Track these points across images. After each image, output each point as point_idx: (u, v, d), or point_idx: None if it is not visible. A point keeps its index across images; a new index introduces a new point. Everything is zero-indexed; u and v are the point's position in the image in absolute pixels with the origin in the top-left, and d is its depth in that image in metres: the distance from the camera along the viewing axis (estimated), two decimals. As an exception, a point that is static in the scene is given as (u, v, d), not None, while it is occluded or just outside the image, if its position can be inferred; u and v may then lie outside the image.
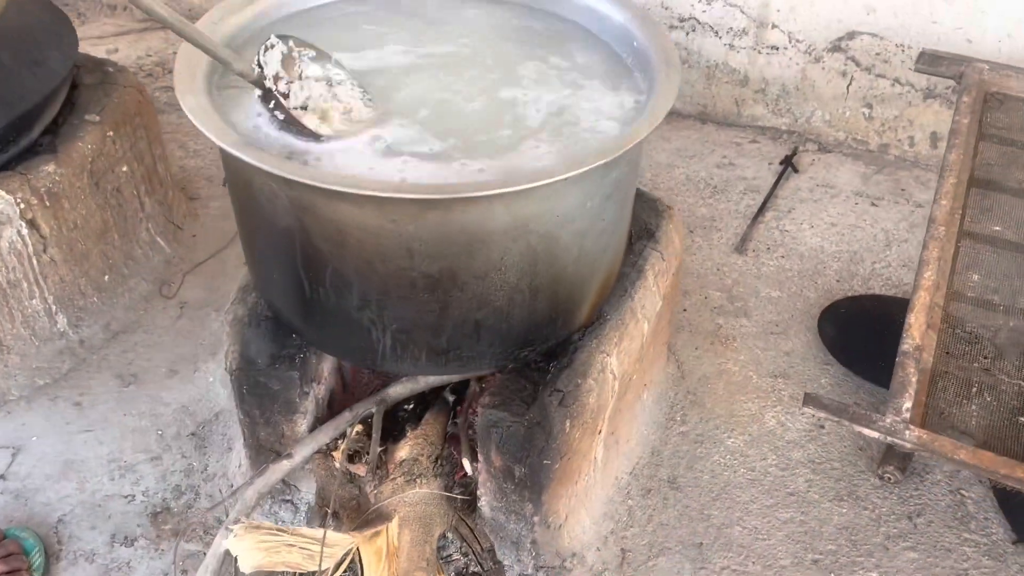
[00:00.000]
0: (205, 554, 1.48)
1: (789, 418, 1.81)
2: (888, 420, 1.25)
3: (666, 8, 2.49)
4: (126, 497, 1.61)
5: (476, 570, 1.48)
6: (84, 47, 2.82)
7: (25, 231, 1.67)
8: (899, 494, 1.68)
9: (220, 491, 1.59)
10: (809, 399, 1.32)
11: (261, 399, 1.39)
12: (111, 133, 1.85)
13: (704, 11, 2.47)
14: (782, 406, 1.83)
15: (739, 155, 2.52)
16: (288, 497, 1.56)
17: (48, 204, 1.70)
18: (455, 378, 1.47)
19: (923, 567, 1.56)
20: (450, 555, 1.49)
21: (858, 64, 2.41)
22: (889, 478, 1.68)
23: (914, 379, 1.31)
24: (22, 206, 1.65)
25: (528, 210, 1.09)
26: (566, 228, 1.15)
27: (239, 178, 1.18)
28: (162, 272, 2.05)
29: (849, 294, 2.09)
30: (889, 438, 1.25)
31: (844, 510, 1.65)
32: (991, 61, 2.01)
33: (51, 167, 1.71)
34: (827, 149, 2.55)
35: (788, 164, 2.46)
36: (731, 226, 2.28)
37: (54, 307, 1.79)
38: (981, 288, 1.52)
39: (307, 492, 1.54)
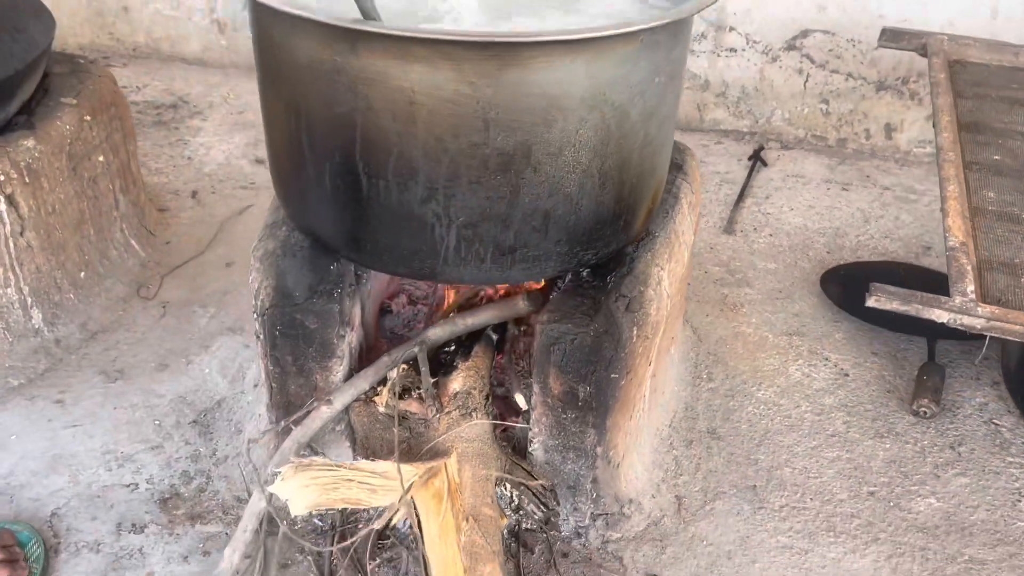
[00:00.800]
0: (227, 535, 1.34)
1: (813, 370, 1.79)
2: (957, 300, 1.24)
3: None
4: (128, 486, 1.43)
5: (529, 526, 1.37)
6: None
7: (3, 207, 1.53)
8: (936, 427, 1.66)
9: (240, 468, 1.44)
10: (875, 288, 1.31)
11: (295, 342, 1.28)
12: (88, 118, 1.74)
13: None
14: (803, 359, 1.81)
15: (708, 154, 2.57)
16: (315, 467, 1.41)
17: (28, 181, 1.57)
18: (494, 320, 1.39)
19: (977, 490, 1.53)
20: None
21: (813, 61, 2.53)
22: (924, 412, 1.67)
23: (968, 267, 1.31)
24: (1, 178, 1.52)
25: (606, 74, 1.06)
26: (636, 104, 1.12)
27: (292, 65, 1.10)
28: (137, 275, 1.91)
29: (841, 262, 2.11)
30: (962, 318, 1.23)
31: (888, 445, 1.62)
32: (949, 33, 2.13)
33: (30, 142, 1.59)
34: (789, 146, 2.63)
35: (757, 158, 2.52)
36: (715, 212, 2.30)
37: (29, 299, 1.63)
38: (999, 202, 1.55)
39: (336, 458, 1.40)
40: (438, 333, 1.37)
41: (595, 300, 1.27)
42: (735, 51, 2.56)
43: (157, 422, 1.56)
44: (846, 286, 1.97)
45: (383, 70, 1.02)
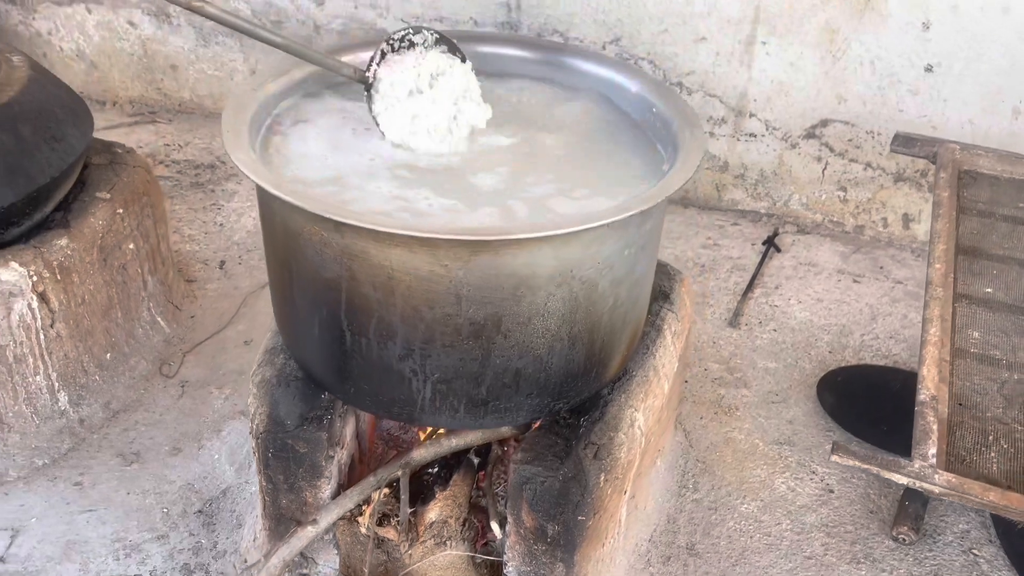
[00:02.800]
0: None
1: (799, 483, 1.83)
2: (916, 465, 1.28)
3: (649, 99, 2.62)
4: (133, 577, 1.55)
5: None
6: (76, 138, 2.84)
7: (35, 304, 1.65)
8: (914, 555, 1.69)
9: (234, 566, 1.54)
10: (838, 448, 1.35)
11: (286, 463, 1.37)
12: (120, 210, 1.86)
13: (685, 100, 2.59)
14: (790, 472, 1.85)
15: (722, 236, 2.62)
16: (305, 571, 1.51)
17: (59, 278, 1.69)
18: (478, 442, 1.47)
19: (947, 625, 1.57)
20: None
21: (832, 150, 2.55)
22: (903, 539, 1.70)
23: (935, 427, 1.35)
24: (34, 279, 1.64)
25: (573, 256, 1.13)
26: (605, 275, 1.19)
27: (285, 231, 1.20)
28: (161, 351, 2.03)
29: (842, 364, 2.14)
30: (919, 483, 1.27)
31: (863, 573, 1.65)
32: (961, 142, 2.14)
33: (63, 241, 1.71)
34: (806, 230, 2.66)
35: (771, 244, 2.56)
36: (722, 302, 2.35)
37: (57, 384, 1.75)
38: (982, 344, 1.58)
39: (324, 565, 1.49)
40: (423, 454, 1.45)
41: (567, 443, 1.33)
42: (755, 136, 2.60)
43: (165, 510, 1.67)
44: (840, 395, 2.00)
45: (364, 249, 1.10)
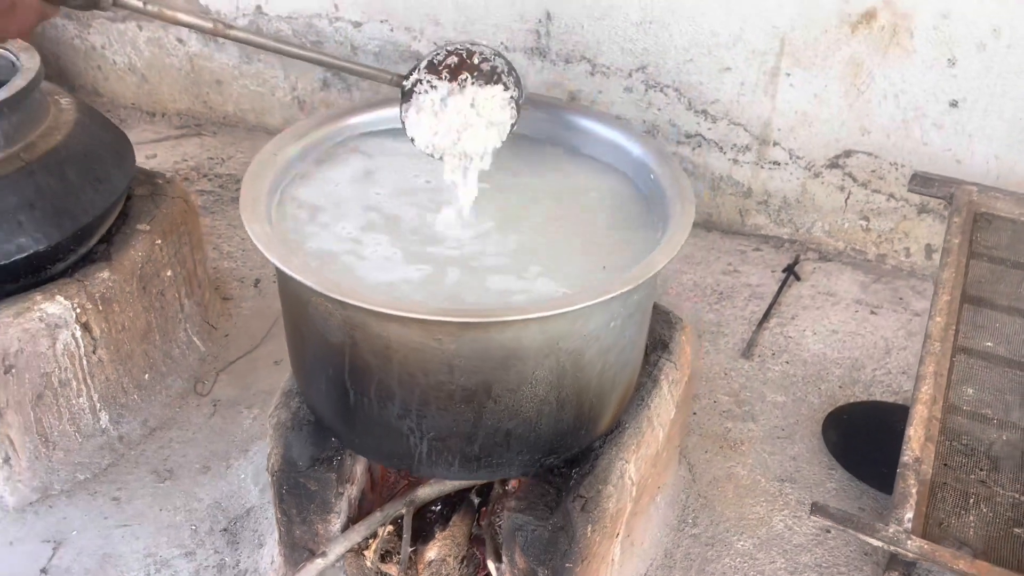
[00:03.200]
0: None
1: (796, 522, 1.88)
2: (891, 530, 1.34)
3: (674, 125, 2.67)
4: (161, 591, 1.68)
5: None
6: (126, 153, 2.99)
7: (79, 333, 1.79)
8: (904, 598, 1.74)
9: (253, 587, 1.66)
10: (816, 508, 1.41)
11: (299, 499, 1.48)
12: (159, 241, 1.98)
13: (709, 128, 2.64)
14: (789, 510, 1.91)
15: (743, 262, 2.66)
16: (318, 594, 1.62)
17: (101, 308, 1.82)
18: (480, 481, 1.56)
19: (930, 672, 1.62)
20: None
21: (855, 180, 2.57)
22: (894, 583, 1.75)
23: (914, 490, 1.40)
24: (78, 311, 1.77)
25: (559, 330, 1.20)
26: (592, 346, 1.26)
27: (295, 298, 1.29)
28: (196, 370, 2.16)
29: (852, 400, 2.18)
30: (892, 547, 1.33)
31: (852, 614, 1.71)
32: (979, 183, 2.15)
33: (105, 274, 1.84)
34: (827, 258, 2.68)
35: (790, 272, 2.59)
36: (737, 331, 2.40)
37: (98, 404, 1.89)
38: (975, 402, 1.62)
39: (334, 590, 1.61)
40: (427, 492, 1.55)
41: (558, 492, 1.42)
42: (778, 164, 2.62)
43: (194, 527, 1.80)
44: (844, 433, 2.05)
45: (364, 321, 1.20)
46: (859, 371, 2.27)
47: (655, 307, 1.75)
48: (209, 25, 1.28)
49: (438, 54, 1.42)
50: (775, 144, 2.60)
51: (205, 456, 1.96)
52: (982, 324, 1.79)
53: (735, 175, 2.69)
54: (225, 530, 1.80)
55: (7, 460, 1.77)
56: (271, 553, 1.67)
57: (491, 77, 1.40)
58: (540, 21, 2.63)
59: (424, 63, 1.42)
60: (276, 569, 1.63)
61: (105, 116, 2.00)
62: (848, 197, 2.60)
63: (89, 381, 1.85)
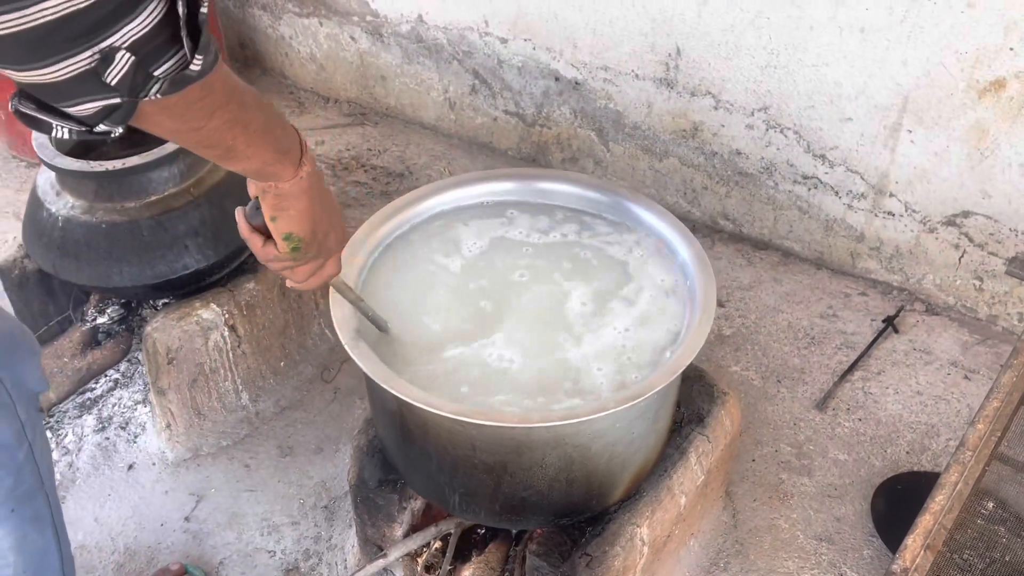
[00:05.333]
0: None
1: (823, 582, 2.03)
2: (854, 633, 1.49)
3: (791, 165, 2.72)
4: (269, 552, 2.10)
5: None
6: (298, 141, 3.40)
7: (226, 333, 2.20)
8: (907, 675, 1.86)
9: (335, 563, 2.04)
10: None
11: (370, 508, 1.82)
12: (299, 254, 2.34)
13: (826, 173, 2.67)
14: (820, 570, 2.05)
15: (845, 306, 2.71)
16: (386, 580, 1.98)
17: (245, 313, 2.22)
18: (519, 515, 1.83)
19: None
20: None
21: (971, 240, 2.54)
22: (900, 659, 1.88)
23: (892, 599, 1.53)
24: (226, 316, 2.18)
25: (565, 431, 1.43)
26: (597, 442, 1.48)
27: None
28: (326, 358, 2.54)
29: (915, 468, 2.25)
30: (852, 649, 1.48)
31: None
32: (1081, 276, 2.11)
33: (251, 284, 2.23)
34: (935, 311, 2.68)
35: (889, 324, 2.62)
36: (818, 380, 2.49)
37: (240, 387, 2.32)
38: (991, 517, 1.69)
39: (399, 576, 1.96)
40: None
41: (573, 544, 1.67)
42: (893, 215, 2.63)
43: (302, 501, 2.20)
44: (892, 504, 2.14)
45: (410, 407, 1.48)
46: (932, 439, 2.32)
47: (703, 378, 1.92)
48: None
49: None
50: (891, 195, 2.60)
51: (320, 438, 2.35)
52: (1030, 435, 1.83)
53: (849, 219, 2.72)
54: (326, 507, 2.19)
55: (168, 426, 2.24)
56: (354, 538, 2.04)
57: None
58: (670, 55, 2.73)
59: None
60: (355, 554, 1.99)
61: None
62: (963, 256, 2.58)
63: (234, 369, 2.27)
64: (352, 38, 3.44)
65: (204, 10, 0.84)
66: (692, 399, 1.87)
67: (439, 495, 1.63)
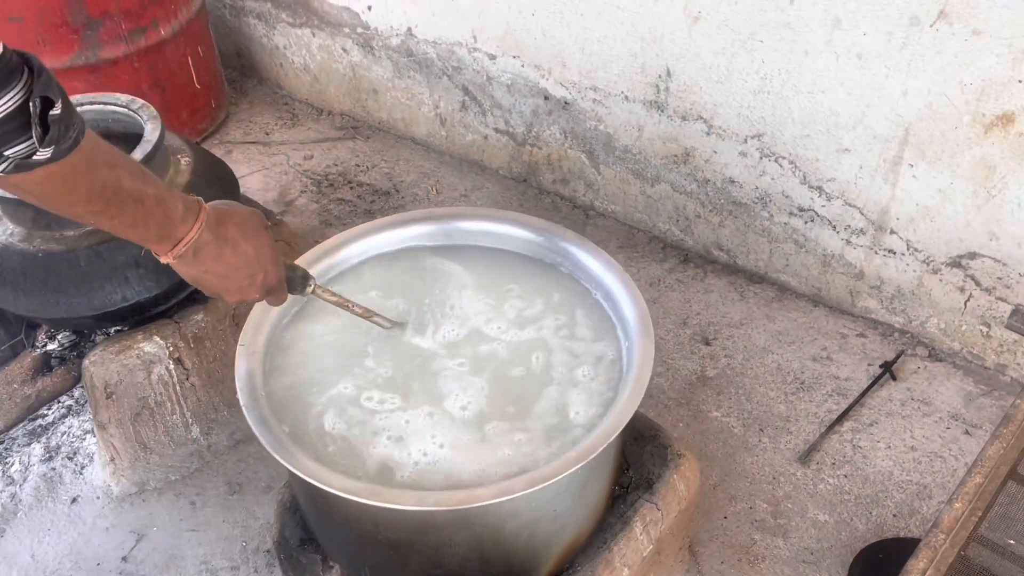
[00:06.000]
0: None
1: (788, 659, 1.88)
2: None
3: (787, 196, 2.55)
4: (204, 599, 2.01)
5: None
6: (287, 150, 3.33)
7: (172, 367, 2.11)
8: None
9: (270, 616, 1.94)
10: None
11: (294, 567, 1.71)
12: (255, 283, 2.25)
13: (823, 206, 2.50)
14: (785, 644, 1.90)
15: (840, 349, 2.53)
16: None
17: (192, 345, 2.13)
18: None
19: None
20: None
21: (977, 283, 2.35)
22: None
23: None
24: (171, 348, 2.09)
25: (469, 512, 1.31)
26: (511, 522, 1.35)
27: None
28: (287, 389, 2.44)
29: (900, 534, 2.08)
30: None
31: None
32: (1088, 334, 1.91)
33: (200, 316, 2.14)
34: (939, 357, 2.49)
35: (887, 370, 2.44)
36: (804, 431, 2.32)
37: (190, 420, 2.23)
38: (962, 610, 1.52)
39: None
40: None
41: (497, 621, 1.54)
42: (894, 253, 2.45)
43: (244, 543, 2.11)
44: (870, 574, 1.97)
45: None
46: (923, 500, 2.15)
47: (656, 437, 1.78)
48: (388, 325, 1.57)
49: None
50: (892, 232, 2.42)
51: (272, 475, 2.26)
52: (1015, 516, 1.65)
53: (847, 255, 2.54)
54: (267, 551, 2.09)
55: (112, 459, 2.16)
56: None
57: None
58: (660, 76, 2.58)
59: None
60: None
61: (224, 170, 2.27)
62: (968, 299, 2.39)
63: (182, 402, 2.19)
64: (344, 50, 3.34)
65: (55, 111, 0.98)
66: (643, 461, 1.73)
67: (351, 566, 1.52)
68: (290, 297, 1.60)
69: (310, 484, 1.37)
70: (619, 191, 2.92)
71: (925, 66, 2.11)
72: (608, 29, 2.60)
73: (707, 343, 2.56)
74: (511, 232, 1.69)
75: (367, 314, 1.55)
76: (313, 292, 1.49)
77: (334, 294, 1.53)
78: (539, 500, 1.35)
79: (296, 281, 1.46)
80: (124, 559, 2.08)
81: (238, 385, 1.42)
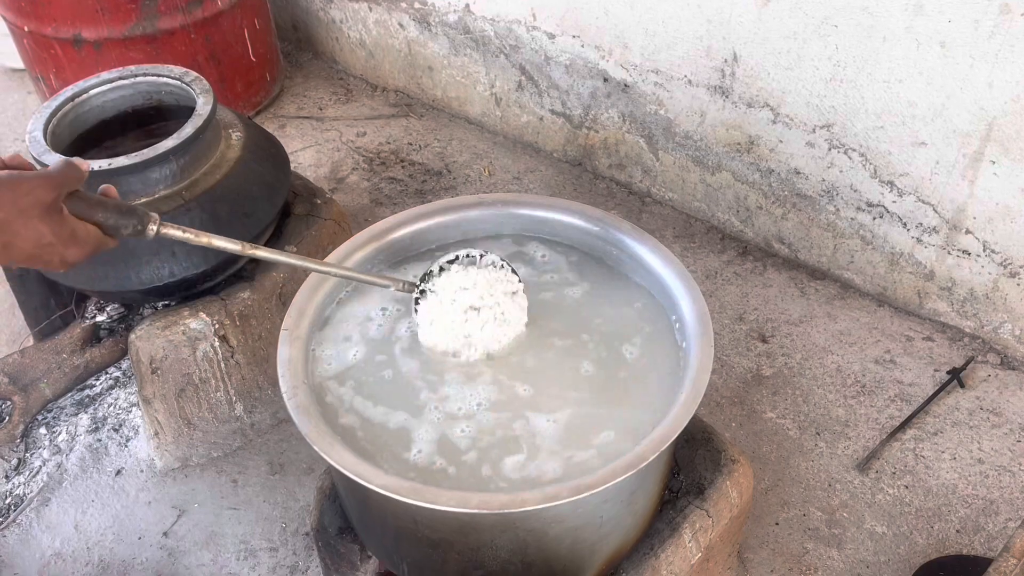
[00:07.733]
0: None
1: (839, 676, 1.80)
2: None
3: (855, 191, 2.43)
4: (242, 579, 2.00)
5: None
6: (340, 126, 3.29)
7: (217, 344, 2.09)
8: None
9: (308, 599, 1.92)
10: None
11: (332, 555, 1.68)
12: (303, 262, 2.22)
13: (894, 202, 2.38)
14: (836, 661, 1.82)
15: (905, 352, 2.42)
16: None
17: (238, 324, 2.11)
18: None
19: None
20: None
21: (1058, 290, 2.22)
22: None
23: None
24: (216, 326, 2.07)
25: (512, 516, 1.25)
26: (554, 527, 1.30)
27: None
28: (332, 370, 2.42)
29: (964, 551, 1.97)
30: None
31: None
32: None
33: (246, 294, 2.11)
34: (1011, 365, 2.36)
35: (955, 376, 2.32)
36: (864, 436, 2.22)
37: (234, 397, 2.21)
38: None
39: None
40: None
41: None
42: (968, 254, 2.32)
43: (284, 525, 2.09)
44: (930, 595, 1.88)
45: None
46: (989, 517, 2.04)
47: (710, 440, 1.70)
48: (237, 247, 1.40)
49: (449, 259, 1.49)
50: (967, 232, 2.29)
51: (312, 458, 2.23)
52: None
53: (917, 254, 2.42)
54: (306, 534, 2.07)
55: (156, 434, 2.15)
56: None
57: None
58: (726, 61, 2.47)
59: (436, 268, 1.47)
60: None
61: (275, 146, 2.23)
62: (1047, 306, 2.26)
63: (226, 379, 2.17)
64: (400, 25, 3.28)
65: None
66: (694, 465, 1.66)
67: (389, 560, 1.47)
68: (336, 281, 1.56)
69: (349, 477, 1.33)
70: (677, 178, 2.83)
71: (1014, 57, 1.98)
72: (673, 10, 2.50)
73: (764, 340, 2.47)
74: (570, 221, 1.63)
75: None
76: (158, 233, 1.34)
77: (187, 229, 1.38)
78: (585, 507, 1.29)
79: (128, 226, 1.31)
80: (165, 534, 2.08)
81: (280, 372, 1.38)
